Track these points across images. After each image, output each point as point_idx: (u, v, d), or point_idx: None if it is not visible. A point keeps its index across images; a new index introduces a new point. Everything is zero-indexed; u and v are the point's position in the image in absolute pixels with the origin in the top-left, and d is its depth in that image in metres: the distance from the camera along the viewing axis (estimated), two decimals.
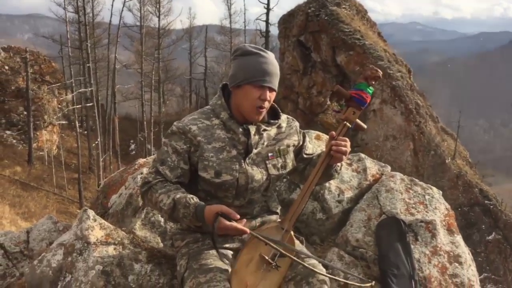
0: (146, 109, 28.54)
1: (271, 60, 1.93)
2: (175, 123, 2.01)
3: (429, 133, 21.94)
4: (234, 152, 1.95)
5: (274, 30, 29.06)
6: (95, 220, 2.43)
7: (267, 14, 29.52)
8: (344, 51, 23.13)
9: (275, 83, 1.94)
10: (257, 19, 29.99)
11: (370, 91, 1.95)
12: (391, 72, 22.28)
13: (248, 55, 1.91)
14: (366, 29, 25.20)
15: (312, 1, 25.47)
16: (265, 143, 2.01)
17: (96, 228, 2.40)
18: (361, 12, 27.21)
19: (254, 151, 1.97)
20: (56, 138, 24.19)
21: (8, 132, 22.33)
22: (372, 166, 2.91)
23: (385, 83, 22.09)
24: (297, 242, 2.08)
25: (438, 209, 2.64)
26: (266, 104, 1.93)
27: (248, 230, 1.75)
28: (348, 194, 2.73)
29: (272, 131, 2.04)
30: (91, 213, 2.45)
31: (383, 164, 2.95)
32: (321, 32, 24.19)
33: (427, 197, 2.68)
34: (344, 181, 2.78)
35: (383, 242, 2.44)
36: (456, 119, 24.52)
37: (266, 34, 29.77)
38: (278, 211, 2.16)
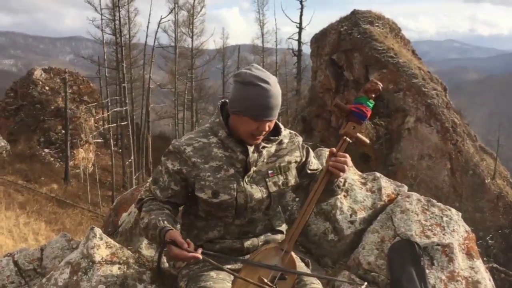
0: (180, 127, 28.96)
1: (273, 91, 1.83)
2: (173, 141, 1.99)
3: (467, 152, 21.32)
4: (232, 171, 1.90)
5: (306, 49, 29.20)
6: (101, 239, 2.41)
7: (299, 33, 29.69)
8: (377, 69, 22.94)
9: (275, 114, 1.87)
10: (289, 38, 30.23)
11: (371, 105, 1.88)
12: (426, 90, 21.89)
13: (248, 86, 1.82)
14: (400, 47, 24.93)
15: (345, 20, 25.47)
16: (265, 160, 1.95)
17: (102, 247, 2.39)
18: (395, 30, 26.98)
19: (253, 168, 1.92)
20: (92, 156, 24.81)
21: (46, 150, 23.07)
22: (387, 186, 2.80)
23: (420, 101, 21.70)
24: (301, 264, 2.00)
25: (456, 231, 2.50)
26: (264, 133, 1.89)
27: (200, 256, 1.72)
28: (361, 214, 2.63)
29: (273, 147, 1.99)
30: (98, 231, 2.44)
31: (400, 184, 2.83)
32: (354, 50, 24.10)
33: (444, 218, 2.54)
34: (357, 201, 2.68)
35: (395, 266, 2.32)
36: (496, 138, 23.79)
37: (298, 53, 29.89)
38: (284, 230, 2.09)
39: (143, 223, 1.90)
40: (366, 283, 1.68)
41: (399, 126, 22.19)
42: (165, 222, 1.83)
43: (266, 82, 1.83)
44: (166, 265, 2.55)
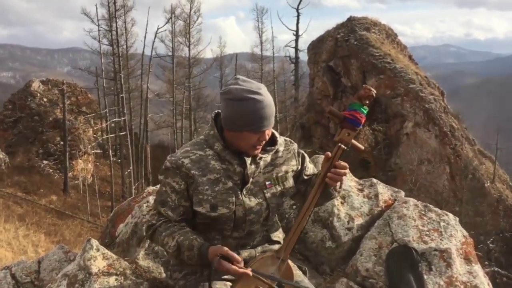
0: (178, 136, 28.96)
1: (266, 101, 1.82)
2: (168, 157, 1.95)
3: (466, 156, 21.33)
4: (230, 184, 1.88)
5: (304, 56, 29.29)
6: (98, 250, 2.41)
7: (296, 40, 29.78)
8: (375, 75, 23.03)
9: (272, 122, 1.86)
10: (286, 45, 30.32)
11: (365, 111, 1.87)
12: (424, 95, 21.95)
13: (242, 101, 1.79)
14: (397, 53, 25.04)
15: (341, 27, 25.59)
16: (261, 170, 1.94)
17: (99, 258, 2.38)
18: (391, 36, 27.11)
19: (251, 180, 1.91)
20: (91, 166, 24.78)
21: (45, 161, 23.06)
22: (384, 192, 2.79)
23: (418, 106, 21.75)
24: (298, 272, 1.99)
25: (454, 236, 2.49)
26: (263, 142, 1.88)
27: (250, 273, 1.71)
28: (359, 221, 2.62)
29: (269, 157, 1.97)
30: (94, 243, 2.43)
31: (397, 190, 2.83)
32: (351, 57, 24.19)
33: (442, 223, 2.53)
34: (354, 208, 2.67)
35: (393, 272, 2.31)
36: (494, 141, 23.79)
37: (296, 61, 29.97)
38: (281, 239, 2.07)
39: (169, 247, 1.84)
40: None
41: (398, 132, 22.22)
42: (199, 239, 1.81)
43: (258, 94, 1.81)
44: (164, 275, 2.54)
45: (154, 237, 1.92)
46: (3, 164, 21.15)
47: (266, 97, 1.84)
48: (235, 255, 1.72)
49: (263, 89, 1.85)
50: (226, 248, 1.74)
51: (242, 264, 1.73)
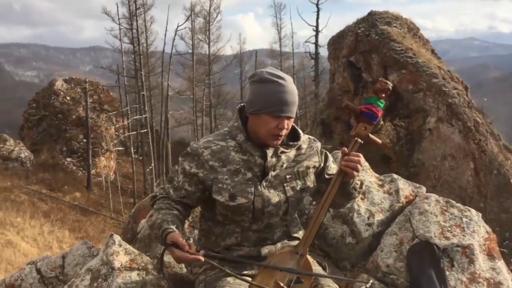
0: (199, 133, 29.15)
1: (289, 88, 1.86)
2: (191, 143, 2.00)
3: (491, 151, 20.92)
4: (249, 175, 1.90)
5: (324, 52, 29.11)
6: (120, 245, 2.44)
7: (316, 36, 29.62)
8: (396, 70, 22.73)
9: (293, 111, 1.88)
10: (306, 41, 30.18)
11: (381, 105, 1.86)
12: (447, 89, 21.59)
13: (265, 83, 1.85)
14: (419, 47, 24.67)
15: (362, 21, 25.32)
16: (284, 165, 1.95)
17: (121, 253, 2.41)
18: (413, 30, 26.71)
19: (272, 173, 1.92)
20: (113, 164, 25.12)
21: (68, 159, 23.47)
22: (405, 187, 2.77)
23: (441, 101, 21.42)
24: (318, 268, 1.99)
25: (476, 232, 2.45)
26: (284, 132, 1.88)
27: (201, 258, 1.71)
28: (379, 217, 2.60)
29: (291, 153, 1.98)
30: (117, 238, 2.47)
31: (418, 185, 2.80)
32: (372, 51, 23.94)
33: (464, 219, 2.50)
34: (374, 203, 2.66)
35: (415, 268, 2.28)
36: None
37: (316, 56, 29.81)
38: (301, 236, 2.08)
39: (150, 220, 1.91)
40: (372, 281, 1.66)
41: (420, 127, 21.92)
42: (170, 223, 1.82)
43: (282, 78, 1.85)
44: (185, 270, 2.57)
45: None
46: (28, 161, 21.60)
47: (290, 84, 1.87)
48: (183, 242, 1.72)
49: (288, 78, 1.88)
50: (177, 236, 1.75)
51: (193, 249, 1.73)
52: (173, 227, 1.82)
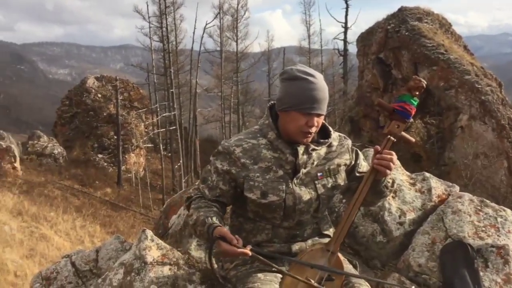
0: (226, 131, 29.30)
1: (320, 85, 1.86)
2: (222, 142, 2.02)
3: None
4: (281, 172, 1.91)
5: (352, 49, 28.79)
6: (152, 240, 2.49)
7: (345, 33, 29.33)
8: (427, 66, 22.30)
9: (323, 108, 1.88)
10: (335, 38, 29.92)
11: (415, 103, 1.83)
12: (480, 86, 21.06)
13: (295, 80, 1.86)
14: (451, 43, 24.12)
15: (392, 17, 24.92)
16: (315, 163, 1.95)
17: (153, 248, 2.46)
18: (445, 26, 26.13)
19: (303, 171, 1.92)
20: (143, 160, 25.50)
21: (100, 155, 23.92)
22: (437, 186, 2.72)
23: (473, 98, 20.91)
24: (349, 266, 1.98)
25: None
26: (313, 129, 1.88)
27: (249, 252, 1.72)
28: (411, 215, 2.57)
29: (322, 150, 1.97)
30: (149, 233, 2.52)
31: (451, 184, 2.75)
32: (402, 48, 23.54)
33: (499, 219, 2.45)
34: (406, 202, 2.62)
35: (448, 268, 2.25)
36: None
37: (344, 53, 29.53)
38: (331, 234, 2.07)
39: (191, 219, 1.92)
40: (414, 286, 1.64)
41: (452, 125, 21.46)
42: (214, 219, 1.85)
43: (312, 76, 1.85)
44: (215, 266, 2.60)
45: (188, 208, 2.02)
46: (61, 158, 22.12)
47: (320, 82, 1.87)
48: (232, 237, 1.73)
49: (318, 75, 1.89)
50: (225, 230, 1.76)
51: (240, 244, 1.73)
52: (218, 222, 1.84)
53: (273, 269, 1.86)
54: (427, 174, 2.80)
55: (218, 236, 1.75)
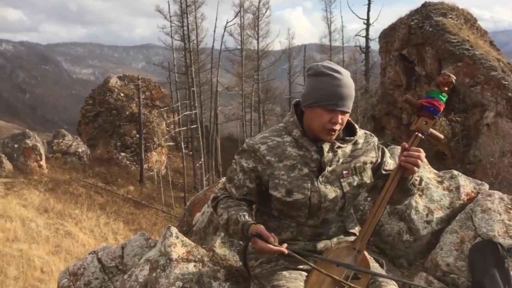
0: (247, 129, 29.33)
1: (345, 81, 1.83)
2: (246, 140, 2.00)
3: None
4: (306, 170, 1.89)
5: (374, 46, 28.49)
6: (177, 237, 2.50)
7: (367, 29, 29.04)
8: (452, 62, 21.90)
9: (348, 105, 1.85)
10: (356, 35, 29.64)
11: (444, 98, 1.79)
12: (506, 83, 20.60)
13: (320, 76, 1.84)
14: (476, 39, 23.66)
15: (415, 13, 24.55)
16: (340, 161, 1.92)
17: (178, 245, 2.47)
18: (470, 21, 25.63)
19: (328, 168, 1.89)
20: (165, 159, 25.72)
21: (122, 154, 24.21)
22: (466, 184, 2.67)
23: (500, 95, 20.47)
24: (375, 265, 1.95)
25: None
26: (338, 127, 1.85)
27: (285, 251, 1.70)
28: (438, 214, 2.52)
29: (348, 148, 1.95)
30: (174, 230, 2.53)
31: (480, 182, 2.69)
32: (426, 44, 23.17)
33: None
34: (433, 200, 2.58)
35: (477, 267, 2.20)
36: None
37: (366, 50, 29.24)
38: (357, 232, 2.05)
39: (222, 219, 1.91)
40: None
41: (477, 122, 21.06)
42: (246, 216, 1.84)
43: (338, 72, 1.83)
44: (240, 263, 2.60)
45: (216, 208, 2.01)
46: (85, 156, 22.47)
47: (346, 78, 1.84)
48: (269, 234, 1.71)
49: (344, 71, 1.86)
50: (262, 227, 1.74)
51: (276, 242, 1.71)
52: (251, 219, 1.84)
53: (309, 267, 1.84)
54: (455, 172, 2.75)
55: (254, 234, 1.74)
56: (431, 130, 1.83)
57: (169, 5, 26.68)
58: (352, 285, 1.69)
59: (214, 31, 27.61)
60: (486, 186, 2.71)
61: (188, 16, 26.91)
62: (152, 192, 22.39)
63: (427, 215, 2.53)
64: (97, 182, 20.92)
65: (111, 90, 25.96)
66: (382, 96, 25.61)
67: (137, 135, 23.83)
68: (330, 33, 31.56)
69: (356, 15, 29.15)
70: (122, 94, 26.07)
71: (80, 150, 22.34)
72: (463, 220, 2.44)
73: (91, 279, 2.81)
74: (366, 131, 2.06)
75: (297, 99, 2.02)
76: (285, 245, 1.72)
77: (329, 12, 32.01)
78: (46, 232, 11.32)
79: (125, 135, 24.71)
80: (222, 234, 2.69)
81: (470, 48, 21.81)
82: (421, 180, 1.98)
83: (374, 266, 1.93)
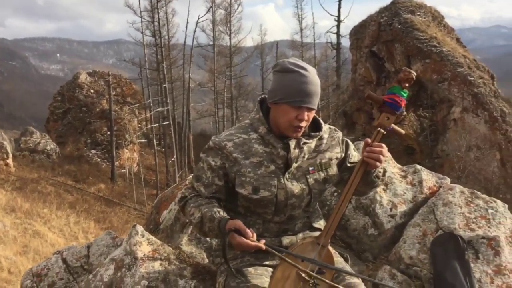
0: (220, 125, 29.25)
1: (312, 78, 1.83)
2: (212, 137, 1.99)
3: None
4: (272, 167, 1.89)
5: (345, 42, 28.78)
6: (143, 236, 2.48)
7: (338, 26, 29.30)
8: (420, 59, 22.32)
9: (314, 102, 1.85)
10: (327, 31, 29.88)
11: (404, 94, 1.83)
12: (472, 79, 21.13)
13: (287, 73, 1.83)
14: (443, 36, 24.16)
15: (385, 10, 24.91)
16: (306, 157, 1.93)
17: (144, 244, 2.45)
18: (437, 19, 26.15)
19: (294, 165, 1.90)
20: (136, 156, 25.43)
21: (93, 151, 23.83)
22: (429, 178, 2.72)
23: (466, 91, 20.98)
24: (339, 259, 1.97)
25: (503, 224, 2.40)
26: (304, 124, 1.86)
27: (263, 246, 1.70)
28: (402, 208, 2.57)
29: (313, 143, 1.96)
30: (139, 228, 2.50)
31: (442, 176, 2.75)
32: (395, 41, 23.54)
33: (490, 211, 2.45)
34: (397, 195, 2.62)
35: (439, 260, 2.25)
36: None
37: (337, 46, 29.50)
38: (322, 227, 2.06)
39: (194, 218, 1.88)
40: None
41: (445, 117, 21.54)
42: (222, 213, 1.82)
43: (304, 69, 1.83)
44: (206, 260, 2.59)
45: (184, 208, 1.97)
46: (54, 154, 22.02)
47: (312, 75, 1.84)
48: (247, 229, 1.72)
49: (311, 68, 1.86)
50: (240, 222, 1.74)
51: (255, 237, 1.72)
52: (226, 215, 1.82)
53: (274, 263, 1.86)
54: (418, 167, 2.80)
55: (232, 229, 1.73)
56: (393, 125, 1.86)
57: (139, 0, 26.32)
58: (317, 276, 1.70)
59: (186, 26, 27.40)
60: (448, 180, 2.77)
61: (159, 11, 26.60)
62: (124, 190, 22.11)
63: (391, 209, 2.57)
64: (67, 181, 20.53)
65: (80, 86, 25.47)
66: (353, 92, 25.92)
67: (108, 132, 23.47)
68: (301, 29, 31.71)
69: (327, 12, 29.40)
70: (92, 91, 25.61)
71: (48, 147, 21.87)
72: (426, 214, 2.50)
73: (55, 280, 2.76)
74: (331, 126, 2.07)
75: (263, 96, 2.01)
76: (263, 240, 1.73)
77: (300, 8, 32.24)
78: (13, 232, 11.06)
79: (95, 132, 24.30)
80: (189, 231, 2.68)
81: (437, 45, 22.26)
82: (384, 171, 2.01)
83: (339, 261, 1.95)
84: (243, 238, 1.70)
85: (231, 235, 1.73)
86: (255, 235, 1.73)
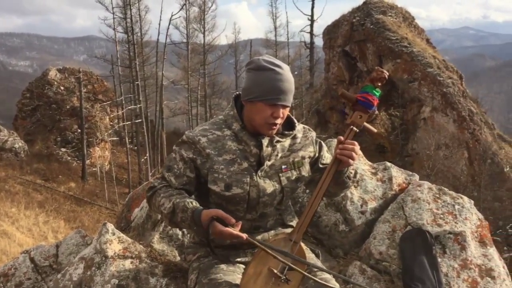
0: (194, 123, 29.08)
1: (286, 76, 1.84)
2: (186, 132, 1.98)
3: (485, 140, 21.01)
4: (245, 165, 1.89)
5: (319, 41, 29.03)
6: (113, 234, 2.45)
7: (311, 25, 29.52)
8: (391, 59, 22.70)
9: (289, 100, 1.86)
10: (301, 31, 30.08)
11: (377, 93, 1.86)
12: (441, 79, 21.61)
13: (261, 70, 1.83)
14: (414, 36, 24.62)
15: (357, 11, 25.23)
16: (279, 155, 1.94)
17: (115, 242, 2.42)
18: (408, 19, 26.64)
19: (267, 163, 1.91)
20: (108, 154, 25.05)
21: (63, 149, 23.35)
22: (398, 175, 2.78)
23: (435, 90, 21.44)
24: (311, 255, 1.99)
25: (469, 219, 2.47)
26: (279, 121, 1.86)
27: (244, 236, 1.69)
28: (372, 204, 2.61)
29: (287, 142, 1.97)
30: (110, 227, 2.47)
31: (411, 173, 2.81)
32: (367, 41, 23.88)
33: (456, 207, 2.51)
34: (367, 191, 2.67)
35: (407, 255, 2.30)
36: None
37: (311, 46, 29.73)
38: (294, 224, 2.08)
39: (165, 208, 1.84)
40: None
41: (415, 116, 21.97)
42: (194, 203, 1.80)
43: (279, 67, 1.83)
44: (178, 258, 2.57)
45: (153, 198, 1.93)
46: (22, 152, 21.49)
47: (287, 73, 1.85)
48: (230, 217, 1.69)
49: (285, 67, 1.86)
50: (220, 211, 1.72)
51: (239, 227, 1.70)
52: (199, 205, 1.79)
53: (246, 259, 1.86)
54: (388, 164, 2.85)
55: (215, 218, 1.70)
56: (365, 124, 1.89)
57: None
58: (292, 266, 1.70)
59: (159, 23, 27.05)
60: (417, 177, 2.83)
61: (131, 7, 26.27)
62: (95, 189, 21.75)
63: (361, 205, 2.61)
64: (36, 179, 20.07)
65: (50, 83, 24.90)
66: (326, 91, 26.16)
67: (79, 130, 23.05)
68: (275, 28, 31.83)
69: (301, 11, 29.59)
70: (62, 88, 25.08)
71: (16, 145, 21.33)
72: (395, 210, 2.54)
73: (23, 280, 2.70)
74: (305, 126, 2.09)
75: (237, 92, 2.01)
76: (245, 235, 1.70)
77: (275, 7, 32.40)
78: None
79: (65, 130, 23.82)
80: (161, 229, 2.65)
81: (408, 45, 22.67)
82: (356, 172, 2.04)
83: (310, 257, 1.97)
84: (224, 227, 1.68)
85: (213, 224, 1.69)
86: (240, 223, 1.71)
